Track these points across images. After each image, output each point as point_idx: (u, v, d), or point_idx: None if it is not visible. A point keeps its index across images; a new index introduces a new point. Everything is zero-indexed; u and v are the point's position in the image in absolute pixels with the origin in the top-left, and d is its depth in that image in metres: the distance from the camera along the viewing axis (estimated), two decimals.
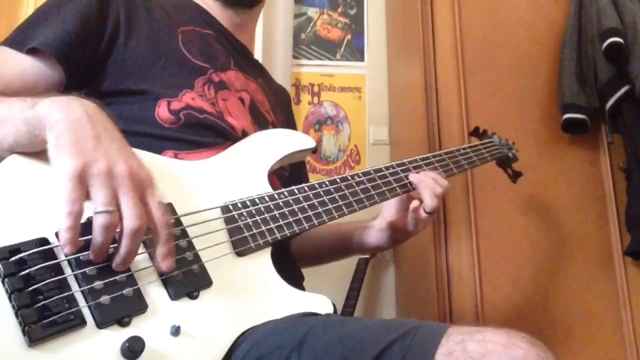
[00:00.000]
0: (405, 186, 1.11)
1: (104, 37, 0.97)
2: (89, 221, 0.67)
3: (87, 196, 0.65)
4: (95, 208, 0.64)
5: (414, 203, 1.13)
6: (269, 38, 2.35)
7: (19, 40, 0.92)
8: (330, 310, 0.87)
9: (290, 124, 1.35)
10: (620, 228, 1.88)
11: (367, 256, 2.18)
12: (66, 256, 0.66)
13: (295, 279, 0.99)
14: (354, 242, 1.26)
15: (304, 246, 1.26)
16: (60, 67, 0.91)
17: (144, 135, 0.94)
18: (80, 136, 0.67)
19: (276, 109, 1.23)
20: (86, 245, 0.67)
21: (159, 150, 0.91)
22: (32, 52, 0.91)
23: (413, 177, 1.12)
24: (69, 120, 0.68)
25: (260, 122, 1.11)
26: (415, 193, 1.13)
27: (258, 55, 2.29)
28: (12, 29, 0.97)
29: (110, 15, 0.99)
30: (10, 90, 0.87)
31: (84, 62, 0.94)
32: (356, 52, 2.57)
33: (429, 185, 1.11)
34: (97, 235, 0.65)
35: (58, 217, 0.63)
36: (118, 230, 0.67)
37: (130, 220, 0.66)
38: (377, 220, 1.23)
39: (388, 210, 1.20)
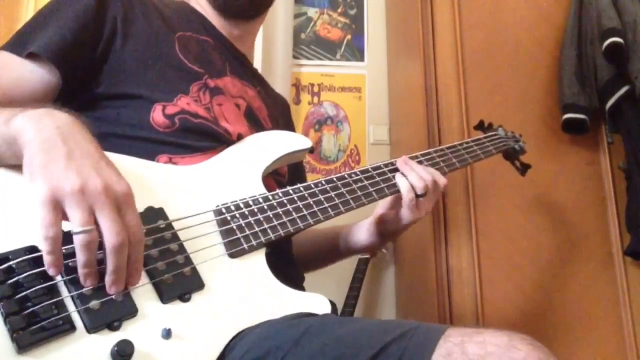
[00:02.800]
0: (399, 189, 1.10)
1: (101, 42, 0.98)
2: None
3: (64, 217, 0.65)
4: (72, 228, 0.64)
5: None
6: (269, 38, 2.35)
7: (18, 45, 0.93)
8: (329, 309, 0.86)
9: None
10: (620, 228, 1.87)
11: (367, 256, 2.18)
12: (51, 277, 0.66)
13: (294, 280, 0.99)
14: (346, 241, 1.26)
15: (300, 250, 1.25)
16: (57, 71, 0.92)
17: (139, 139, 0.94)
18: (51, 157, 0.67)
19: (275, 117, 1.23)
20: (74, 253, 0.67)
21: (153, 155, 0.92)
22: (31, 56, 0.91)
23: (399, 163, 1.12)
24: (40, 140, 0.68)
25: (257, 129, 1.11)
26: None
27: (258, 55, 2.29)
28: (12, 29, 0.98)
29: (107, 20, 0.99)
30: (8, 96, 0.88)
31: (81, 66, 0.95)
32: (356, 52, 2.57)
33: (413, 168, 1.11)
34: (79, 254, 0.65)
35: (38, 241, 0.63)
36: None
37: (110, 237, 0.66)
38: (369, 218, 1.23)
39: (380, 205, 1.19)
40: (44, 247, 0.63)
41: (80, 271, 0.66)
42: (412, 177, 1.09)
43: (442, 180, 1.13)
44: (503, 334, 0.67)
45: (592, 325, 1.78)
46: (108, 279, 0.68)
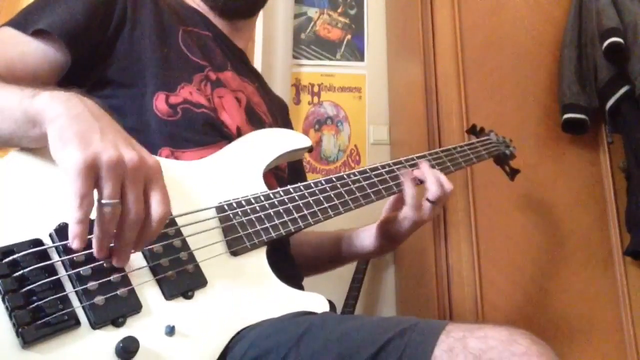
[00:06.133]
0: (401, 184, 1.10)
1: (110, 26, 0.97)
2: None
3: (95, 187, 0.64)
4: (101, 198, 0.63)
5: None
6: (269, 38, 2.35)
7: (24, 22, 0.91)
8: (327, 308, 0.87)
9: None
10: (620, 228, 1.87)
11: None
12: (75, 251, 0.65)
13: (293, 279, 0.98)
14: (350, 246, 1.24)
15: (303, 254, 1.25)
16: (67, 51, 0.91)
17: (141, 130, 0.93)
18: (85, 128, 0.66)
19: (274, 114, 1.23)
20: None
21: (156, 147, 0.92)
22: (37, 34, 0.89)
23: (417, 172, 1.12)
24: (71, 115, 0.67)
25: (256, 123, 1.11)
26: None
27: (258, 55, 2.29)
28: None
29: (117, 5, 0.99)
30: (11, 72, 0.86)
31: (89, 48, 0.94)
32: (356, 52, 2.57)
33: (434, 174, 1.11)
34: (101, 224, 0.64)
35: (67, 210, 0.62)
36: None
37: (131, 214, 0.65)
38: (374, 223, 1.22)
39: (384, 209, 1.19)
40: (74, 217, 0.61)
41: (97, 243, 0.66)
42: (432, 181, 1.09)
43: (448, 185, 1.12)
44: (504, 329, 0.68)
45: (592, 325, 1.79)
46: (117, 248, 0.68)
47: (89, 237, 0.65)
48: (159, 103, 0.96)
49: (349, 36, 2.58)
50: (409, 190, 1.08)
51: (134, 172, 0.66)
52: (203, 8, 1.19)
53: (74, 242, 0.62)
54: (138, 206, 0.66)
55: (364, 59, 2.57)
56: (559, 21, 2.01)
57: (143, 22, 1.01)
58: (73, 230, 0.62)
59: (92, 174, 0.63)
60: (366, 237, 1.21)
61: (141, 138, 0.90)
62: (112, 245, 0.68)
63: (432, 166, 1.17)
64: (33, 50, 0.90)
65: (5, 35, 0.90)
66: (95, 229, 0.65)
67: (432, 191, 1.08)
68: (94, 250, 0.66)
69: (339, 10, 2.60)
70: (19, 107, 0.71)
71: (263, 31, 2.33)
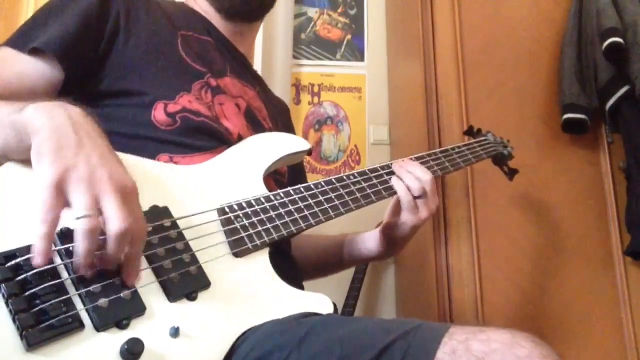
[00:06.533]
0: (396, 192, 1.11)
1: (104, 37, 0.97)
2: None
3: (66, 205, 0.64)
4: (75, 214, 0.63)
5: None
6: (269, 38, 2.35)
7: (20, 40, 0.93)
8: (331, 309, 0.87)
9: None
10: (620, 228, 1.87)
11: None
12: (36, 267, 0.64)
13: (295, 279, 0.98)
14: (352, 250, 1.26)
15: (306, 257, 1.25)
16: (60, 67, 0.91)
17: (140, 138, 0.94)
18: (62, 143, 0.66)
19: (275, 118, 1.23)
20: None
21: (154, 153, 0.92)
22: (33, 52, 0.91)
23: (394, 167, 1.13)
24: (52, 127, 0.68)
25: (257, 128, 1.11)
26: None
27: (258, 55, 2.29)
28: (12, 29, 0.97)
29: (110, 16, 0.99)
30: (8, 91, 0.87)
31: (83, 61, 0.95)
32: (356, 52, 2.57)
33: (408, 169, 1.12)
34: (79, 242, 0.63)
35: (33, 225, 0.62)
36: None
37: (114, 223, 0.64)
38: (376, 229, 1.23)
39: (386, 214, 1.19)
40: (37, 231, 0.61)
41: (80, 261, 0.64)
42: (408, 179, 1.10)
43: (424, 174, 1.12)
44: (506, 331, 0.68)
45: (592, 325, 1.79)
46: (104, 265, 0.67)
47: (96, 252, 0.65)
48: (158, 113, 0.96)
49: (349, 36, 2.58)
50: (403, 196, 1.09)
51: (105, 186, 0.65)
52: (207, 11, 1.18)
53: (36, 259, 0.62)
54: (122, 214, 0.65)
55: (364, 59, 2.57)
56: (559, 21, 2.01)
57: (137, 33, 1.01)
58: (36, 247, 0.62)
59: (60, 189, 0.63)
60: (370, 241, 1.23)
61: (140, 144, 0.90)
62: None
63: (432, 166, 1.18)
64: (29, 69, 0.91)
65: (4, 55, 0.92)
66: (75, 247, 0.64)
67: (413, 187, 1.09)
68: (75, 265, 0.66)
69: (339, 10, 2.60)
70: (7, 120, 0.72)
71: (263, 31, 2.32)
